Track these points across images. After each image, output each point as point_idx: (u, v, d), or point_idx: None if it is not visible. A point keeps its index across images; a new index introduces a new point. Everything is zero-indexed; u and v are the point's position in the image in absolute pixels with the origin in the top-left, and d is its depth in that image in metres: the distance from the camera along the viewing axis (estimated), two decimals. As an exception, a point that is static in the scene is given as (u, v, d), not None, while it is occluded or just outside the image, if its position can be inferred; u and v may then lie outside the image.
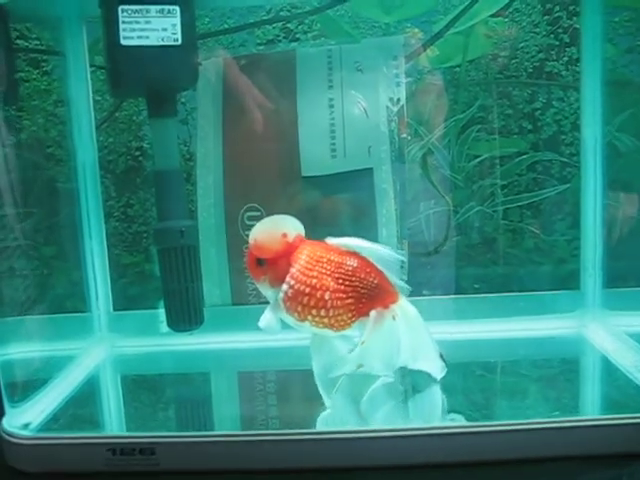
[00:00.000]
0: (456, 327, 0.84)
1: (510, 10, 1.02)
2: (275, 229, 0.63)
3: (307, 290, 0.62)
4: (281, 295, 0.63)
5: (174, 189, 0.78)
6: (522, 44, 1.03)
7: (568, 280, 0.92)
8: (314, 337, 0.66)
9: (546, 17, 1.02)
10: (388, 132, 0.84)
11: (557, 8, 1.01)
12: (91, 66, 0.88)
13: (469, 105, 0.99)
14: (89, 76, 0.87)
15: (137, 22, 0.73)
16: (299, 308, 0.63)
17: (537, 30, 1.03)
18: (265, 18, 1.00)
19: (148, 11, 0.73)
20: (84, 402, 0.75)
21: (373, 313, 0.63)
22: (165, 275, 0.78)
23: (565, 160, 1.01)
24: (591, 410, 0.70)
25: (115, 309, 0.90)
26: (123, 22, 0.73)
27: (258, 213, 0.84)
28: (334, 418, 0.67)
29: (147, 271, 1.00)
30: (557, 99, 1.03)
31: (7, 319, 0.72)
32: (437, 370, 0.67)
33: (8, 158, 0.76)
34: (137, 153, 1.03)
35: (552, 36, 1.02)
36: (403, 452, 0.61)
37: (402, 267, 0.75)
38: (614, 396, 0.71)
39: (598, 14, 0.82)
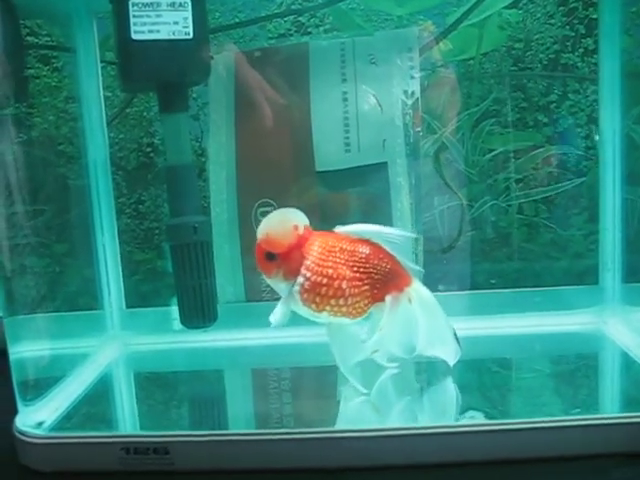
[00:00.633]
0: (472, 323, 0.83)
1: (524, 1, 1.01)
2: (285, 222, 0.63)
3: (324, 281, 0.62)
4: (297, 288, 0.63)
5: (186, 184, 0.77)
6: (537, 36, 1.02)
7: (585, 275, 0.91)
8: (330, 327, 0.66)
9: (561, 8, 1.01)
10: (403, 125, 0.83)
11: (572, -2, 1.00)
12: (102, 62, 0.88)
13: (483, 98, 0.98)
14: (100, 72, 0.86)
15: (148, 16, 0.73)
16: (317, 299, 0.63)
17: (552, 21, 1.01)
18: (276, 12, 1.00)
19: (159, 5, 0.73)
20: (97, 400, 0.74)
21: (389, 298, 0.64)
22: (178, 272, 0.77)
23: (581, 153, 0.99)
24: (611, 407, 0.69)
25: (128, 306, 0.90)
26: (134, 16, 0.72)
27: (271, 208, 0.83)
28: (351, 414, 0.67)
29: (159, 268, 0.99)
30: (573, 91, 1.01)
31: (19, 317, 0.71)
32: (452, 355, 0.68)
33: (20, 156, 0.75)
34: (148, 149, 1.03)
35: (568, 27, 1.01)
36: (419, 451, 0.61)
37: (417, 243, 0.74)
38: (635, 393, 0.70)
39: (617, 4, 0.81)
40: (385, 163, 0.83)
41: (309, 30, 1.02)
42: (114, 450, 0.62)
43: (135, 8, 0.72)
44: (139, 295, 0.96)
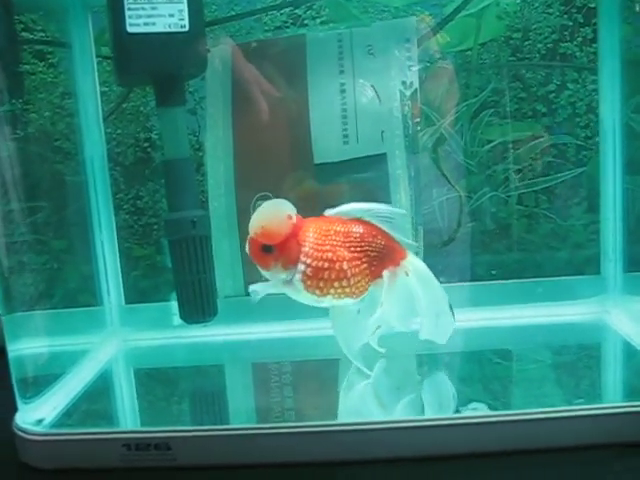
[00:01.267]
0: (473, 314, 0.83)
1: (522, -10, 1.00)
2: (278, 213, 0.63)
3: (325, 265, 0.63)
4: (298, 276, 0.63)
5: (184, 179, 0.77)
6: (535, 25, 1.01)
7: (586, 265, 0.91)
8: (334, 310, 0.66)
9: (559, -3, 1.00)
10: (401, 117, 0.82)
11: (570, -13, 0.99)
12: (97, 57, 0.87)
13: (481, 89, 0.97)
14: (96, 67, 0.86)
15: (143, 9, 0.72)
16: (321, 284, 0.63)
17: (550, 10, 1.01)
18: (272, 4, 0.99)
19: (154, -3, 0.72)
20: (97, 397, 0.74)
21: (386, 273, 0.65)
22: (177, 266, 0.77)
23: (581, 143, 0.99)
24: (614, 397, 0.69)
25: (127, 302, 0.89)
26: (129, 9, 0.72)
27: (270, 202, 0.82)
28: (352, 407, 0.67)
29: (158, 263, 0.99)
30: (571, 81, 1.01)
31: (18, 314, 0.71)
32: (446, 329, 0.68)
33: (16, 152, 0.75)
34: (145, 144, 1.02)
35: (566, 16, 1.00)
36: (420, 443, 0.60)
37: (416, 235, 0.74)
38: (638, 382, 0.70)
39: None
40: (384, 154, 0.83)
41: (305, 22, 1.01)
42: (115, 447, 0.61)
43: (130, 1, 0.72)
44: (138, 291, 0.95)
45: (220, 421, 0.71)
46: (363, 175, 0.82)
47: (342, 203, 0.81)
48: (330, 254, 0.63)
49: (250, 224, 0.63)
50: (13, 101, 0.83)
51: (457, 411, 0.64)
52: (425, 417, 0.63)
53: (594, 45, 0.92)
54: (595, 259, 0.87)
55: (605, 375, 0.74)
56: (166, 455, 0.61)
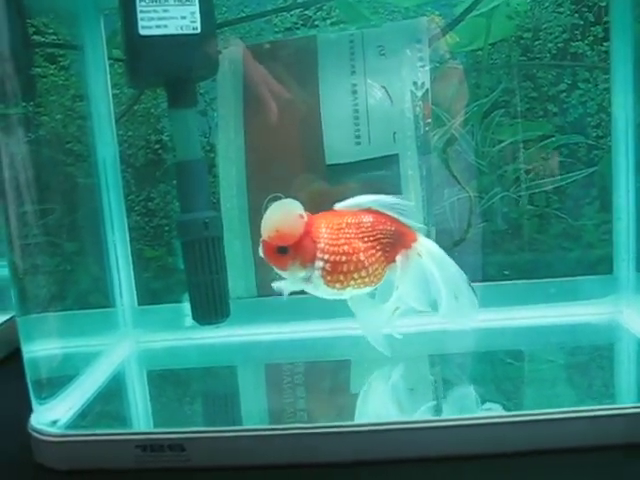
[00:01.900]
0: (486, 315, 0.82)
1: (533, -11, 1.00)
2: (290, 213, 0.63)
3: (343, 258, 0.63)
4: (317, 273, 0.64)
5: (197, 180, 0.77)
6: (545, 25, 1.01)
7: (599, 265, 0.91)
8: (353, 299, 0.67)
9: (570, -5, 1.00)
10: (413, 117, 0.82)
11: (581, -14, 0.99)
12: (109, 59, 0.87)
13: (492, 89, 0.97)
14: (107, 70, 0.86)
15: (155, 11, 0.72)
16: (341, 277, 0.64)
17: (561, 10, 1.00)
18: (283, 5, 0.99)
19: (166, 0, 0.72)
20: (111, 398, 0.75)
21: (399, 257, 0.65)
22: (189, 268, 0.77)
23: (592, 142, 0.98)
24: (628, 398, 0.69)
25: (139, 303, 0.89)
26: (141, 11, 0.72)
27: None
28: (367, 407, 0.67)
29: (170, 265, 0.99)
30: (583, 80, 1.00)
31: (32, 316, 0.71)
32: (469, 310, 0.67)
33: (28, 154, 0.75)
34: (157, 146, 1.02)
35: (576, 15, 1.00)
36: (434, 444, 0.60)
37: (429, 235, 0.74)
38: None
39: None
40: (396, 155, 0.83)
41: (316, 23, 1.01)
42: (129, 448, 0.61)
43: (142, 3, 0.72)
44: (150, 292, 0.95)
45: (233, 422, 0.72)
46: (375, 176, 0.82)
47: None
48: (346, 247, 0.63)
49: (262, 227, 0.63)
50: (24, 104, 0.84)
51: (470, 412, 0.64)
52: (438, 418, 0.63)
53: (605, 44, 0.91)
54: (607, 259, 0.86)
55: (618, 376, 0.74)
56: (180, 456, 0.61)
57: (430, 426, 0.61)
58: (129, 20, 0.72)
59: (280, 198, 0.82)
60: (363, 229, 0.64)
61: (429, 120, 0.83)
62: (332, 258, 0.63)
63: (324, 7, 1.00)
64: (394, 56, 0.83)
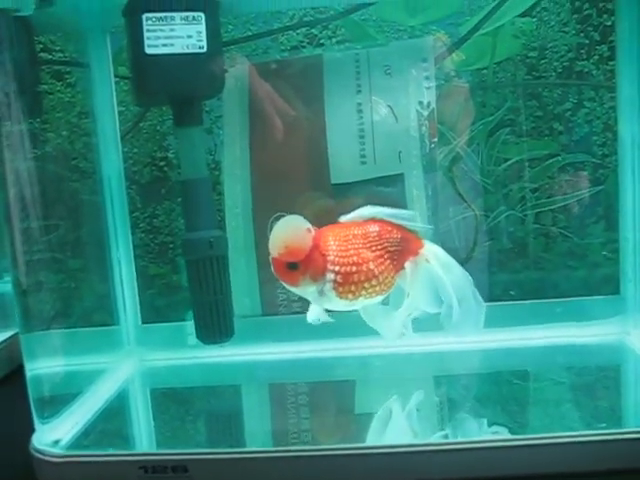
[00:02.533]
0: (491, 335, 0.82)
1: (538, 9, 1.00)
2: (298, 228, 0.63)
3: (354, 269, 0.63)
4: (329, 285, 0.63)
5: (202, 198, 0.77)
6: (551, 44, 1.01)
7: (605, 284, 0.90)
8: (364, 310, 0.67)
9: (575, 15, 1.00)
10: (419, 136, 0.82)
11: (586, 5, 0.99)
12: (115, 77, 0.88)
13: (498, 107, 0.97)
14: (113, 87, 0.86)
15: (162, 30, 0.73)
16: (352, 288, 0.64)
17: (566, 29, 1.01)
18: (289, 24, 0.99)
19: (173, 19, 0.72)
20: (114, 417, 0.74)
21: (408, 264, 0.65)
22: (194, 287, 0.77)
23: (598, 161, 0.98)
24: (635, 422, 0.68)
25: (144, 321, 0.89)
26: (147, 30, 0.72)
27: (287, 222, 0.82)
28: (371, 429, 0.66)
29: (174, 282, 0.99)
30: (588, 99, 1.00)
31: (36, 333, 0.71)
32: (476, 315, 0.66)
33: (33, 170, 0.75)
34: (162, 163, 1.03)
35: (582, 35, 1.00)
36: (443, 467, 0.60)
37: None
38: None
39: (634, 9, 0.80)
40: (401, 174, 0.82)
41: (322, 42, 1.01)
42: (132, 469, 0.61)
43: (149, 22, 0.72)
44: (154, 309, 0.95)
45: (237, 443, 0.71)
46: (380, 195, 0.82)
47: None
48: (355, 257, 0.63)
49: (271, 244, 0.63)
50: (31, 120, 0.84)
51: (477, 434, 0.63)
52: (443, 441, 0.62)
53: (611, 63, 0.91)
54: (614, 278, 0.86)
55: (625, 398, 0.73)
56: (183, 478, 0.60)
57: (435, 449, 0.60)
58: (136, 39, 0.73)
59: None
60: (370, 239, 0.64)
61: (435, 139, 0.83)
62: (343, 269, 0.63)
63: (330, 26, 1.00)
64: (400, 75, 0.83)
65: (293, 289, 0.65)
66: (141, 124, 1.02)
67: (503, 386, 0.77)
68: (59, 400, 0.71)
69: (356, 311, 0.79)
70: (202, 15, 0.73)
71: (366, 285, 0.64)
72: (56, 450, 0.64)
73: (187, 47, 0.73)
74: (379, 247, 0.64)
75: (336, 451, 0.61)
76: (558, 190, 0.98)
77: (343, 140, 0.83)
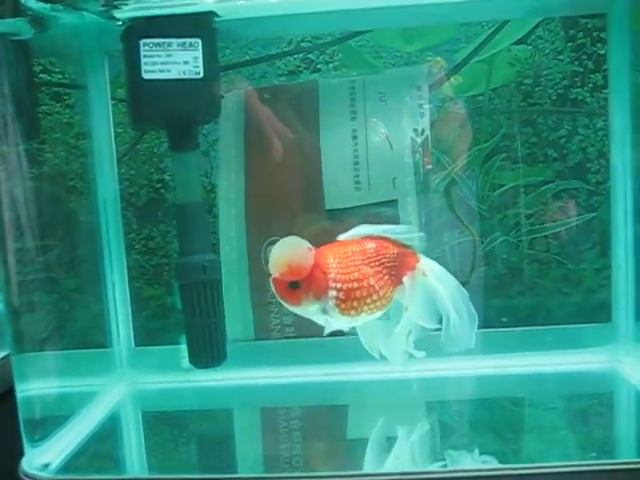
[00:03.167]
0: (483, 362, 0.82)
1: (533, 37, 1.01)
2: (300, 247, 0.63)
3: (355, 285, 0.64)
4: (331, 303, 0.64)
5: (196, 223, 0.77)
6: (546, 71, 1.02)
7: (598, 311, 0.90)
8: (362, 329, 0.67)
9: (570, 44, 1.01)
10: (413, 163, 0.83)
11: (580, 34, 1.00)
12: (113, 99, 0.88)
13: (493, 134, 0.97)
14: (110, 110, 0.86)
15: (159, 55, 0.73)
16: (355, 304, 0.64)
17: (561, 57, 1.02)
18: (286, 49, 1.00)
19: (170, 44, 0.73)
20: (105, 440, 0.74)
21: (406, 278, 0.66)
22: (187, 311, 0.77)
23: (592, 188, 0.99)
24: (628, 452, 0.68)
25: (137, 344, 0.89)
26: (145, 56, 0.73)
27: (281, 246, 0.82)
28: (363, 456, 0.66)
29: (168, 304, 0.99)
30: (582, 126, 1.01)
31: (27, 355, 0.71)
32: (471, 325, 0.67)
33: (29, 191, 0.75)
34: (158, 185, 1.03)
35: (576, 63, 1.01)
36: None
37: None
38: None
39: (625, 39, 0.81)
40: (395, 201, 0.83)
41: (319, 67, 1.02)
42: (122, 494, 0.61)
43: (146, 48, 0.73)
44: (148, 331, 0.95)
45: (229, 467, 0.71)
46: (374, 221, 0.82)
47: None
48: (356, 274, 0.64)
49: (272, 265, 0.63)
50: (29, 142, 0.84)
51: (466, 463, 0.63)
52: (434, 469, 0.62)
53: (604, 91, 0.92)
54: (607, 305, 0.86)
55: (617, 428, 0.73)
56: (173, 502, 0.60)
57: (427, 477, 0.60)
58: (133, 64, 0.73)
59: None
60: (368, 255, 0.65)
61: (429, 166, 0.84)
62: (344, 286, 0.63)
63: (327, 51, 1.01)
64: (394, 102, 0.84)
65: (295, 309, 0.65)
66: (138, 146, 1.02)
67: (494, 413, 0.77)
68: (50, 423, 0.71)
69: (350, 335, 0.81)
70: (199, 41, 0.74)
71: (368, 300, 0.64)
72: (45, 474, 0.64)
73: (184, 73, 0.73)
74: (377, 263, 0.65)
75: (328, 477, 0.60)
76: (552, 216, 0.98)
77: (338, 166, 0.83)
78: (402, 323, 0.65)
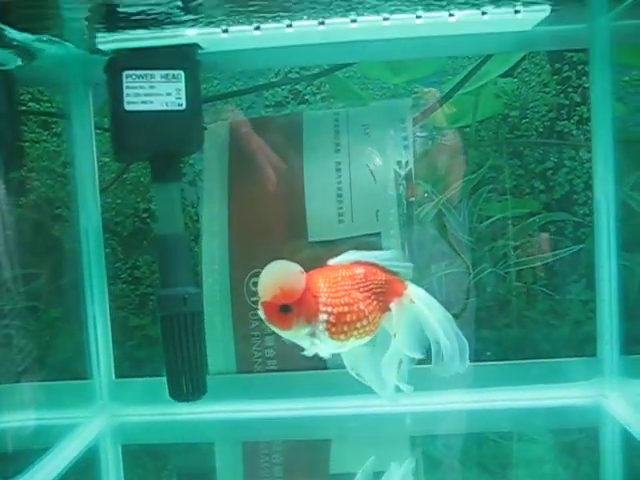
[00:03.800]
0: (467, 396, 0.81)
1: (519, 70, 1.02)
2: (292, 271, 0.62)
3: (346, 309, 0.63)
4: (321, 326, 0.63)
5: (178, 254, 0.76)
6: (532, 104, 1.02)
7: (584, 344, 0.90)
8: (348, 355, 0.66)
9: (555, 77, 1.02)
10: (396, 196, 0.83)
11: (566, 67, 1.01)
12: (98, 128, 0.88)
13: (480, 165, 0.98)
14: (94, 139, 0.86)
15: (141, 87, 0.73)
16: (345, 328, 0.63)
17: (547, 90, 1.02)
18: (274, 80, 1.01)
19: (152, 76, 0.73)
20: (82, 475, 0.73)
21: (393, 305, 0.66)
22: (167, 343, 0.76)
23: (579, 220, 0.99)
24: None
25: (119, 374, 0.88)
26: (127, 87, 0.73)
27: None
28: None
29: (154, 334, 0.98)
30: (569, 158, 1.02)
31: (3, 385, 0.70)
32: (463, 349, 0.66)
33: (15, 219, 0.75)
34: (145, 215, 1.03)
35: (562, 95, 1.02)
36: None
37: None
38: (636, 473, 0.68)
39: (607, 73, 0.81)
40: (378, 233, 0.83)
41: (306, 98, 1.03)
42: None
43: (129, 79, 0.73)
44: (133, 361, 0.94)
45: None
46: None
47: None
48: (346, 298, 0.63)
49: (263, 288, 0.62)
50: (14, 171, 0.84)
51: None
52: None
53: (590, 123, 0.93)
54: (594, 338, 0.86)
55: (602, 464, 0.72)
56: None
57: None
58: (115, 95, 0.73)
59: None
60: (357, 280, 0.64)
61: (413, 198, 0.83)
62: (335, 310, 0.63)
63: (314, 82, 1.02)
64: (378, 135, 0.84)
65: (284, 333, 0.64)
66: (125, 175, 1.02)
67: (479, 447, 0.76)
68: (25, 456, 0.70)
69: (332, 369, 0.80)
70: (182, 73, 0.74)
71: (357, 325, 0.64)
72: (17, 512, 0.63)
73: (166, 104, 0.74)
74: (366, 288, 0.64)
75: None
76: (539, 248, 0.98)
77: (321, 198, 0.83)
78: (390, 351, 0.65)
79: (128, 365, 0.93)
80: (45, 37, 0.73)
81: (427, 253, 0.90)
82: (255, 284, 0.82)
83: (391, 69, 0.98)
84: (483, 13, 0.73)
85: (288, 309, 0.62)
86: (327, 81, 1.02)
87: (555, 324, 0.97)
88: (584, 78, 0.98)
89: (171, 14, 0.67)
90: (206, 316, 0.81)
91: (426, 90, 0.96)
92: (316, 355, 0.78)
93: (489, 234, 0.97)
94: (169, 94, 0.73)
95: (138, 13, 0.66)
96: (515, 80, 1.02)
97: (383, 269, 0.66)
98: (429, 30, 0.77)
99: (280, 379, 0.83)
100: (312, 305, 0.62)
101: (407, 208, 0.83)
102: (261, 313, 0.62)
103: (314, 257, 0.82)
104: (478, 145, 1.02)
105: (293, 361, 0.82)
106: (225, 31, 0.73)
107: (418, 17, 0.73)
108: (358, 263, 0.65)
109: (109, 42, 0.74)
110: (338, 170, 0.84)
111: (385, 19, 0.73)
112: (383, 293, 0.65)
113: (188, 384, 0.76)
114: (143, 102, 0.73)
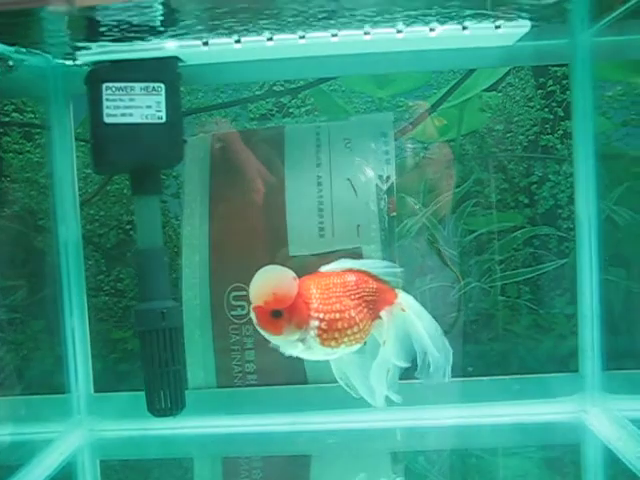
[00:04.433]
0: (448, 412, 0.81)
1: (504, 84, 1.02)
2: (284, 276, 0.62)
3: (337, 316, 0.63)
4: (312, 333, 0.63)
5: (156, 269, 0.76)
6: (516, 118, 1.03)
7: (568, 358, 0.90)
8: (337, 362, 0.66)
9: (540, 91, 1.02)
10: (377, 211, 0.82)
11: (550, 82, 1.01)
12: (81, 140, 0.88)
13: (464, 179, 0.98)
14: (74, 151, 0.86)
15: (121, 99, 0.73)
16: (336, 335, 0.63)
17: (531, 104, 1.03)
18: (258, 93, 1.01)
19: (132, 89, 0.73)
20: (57, 492, 0.72)
21: (384, 313, 0.66)
22: (145, 358, 0.75)
23: (563, 234, 0.99)
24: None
25: (99, 387, 0.87)
26: (107, 99, 0.73)
27: (244, 293, 0.81)
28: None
29: (135, 348, 0.97)
30: (553, 172, 1.02)
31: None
32: (446, 360, 0.66)
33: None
34: (128, 227, 1.02)
35: (546, 110, 1.02)
36: None
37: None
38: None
39: (589, 88, 0.81)
40: (359, 248, 0.82)
41: (290, 111, 1.03)
42: None
43: (108, 92, 0.73)
44: (115, 373, 0.94)
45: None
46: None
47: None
48: (338, 305, 0.63)
49: (255, 293, 0.61)
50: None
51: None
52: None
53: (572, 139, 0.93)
54: (576, 353, 0.85)
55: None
56: None
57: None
58: (95, 107, 0.73)
59: (243, 288, 0.81)
60: (349, 287, 0.64)
61: (394, 213, 0.83)
62: (327, 316, 0.63)
63: (299, 95, 1.02)
64: (360, 149, 0.84)
65: (274, 339, 0.63)
66: (108, 187, 1.02)
67: (459, 463, 0.76)
68: None
69: (312, 384, 0.79)
70: (162, 86, 0.74)
71: (348, 332, 0.64)
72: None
73: (146, 117, 0.73)
74: (357, 296, 0.64)
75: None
76: (523, 262, 0.98)
77: (302, 213, 0.83)
78: (379, 359, 0.65)
79: (109, 379, 0.92)
80: (24, 48, 0.73)
81: (409, 268, 0.89)
82: (236, 298, 0.82)
83: (376, 82, 0.99)
84: (464, 28, 0.73)
85: (279, 314, 0.62)
86: (311, 94, 1.02)
87: (539, 338, 0.97)
88: (568, 92, 0.98)
89: (152, 27, 0.67)
90: (186, 330, 0.80)
91: (412, 104, 0.97)
92: (296, 370, 0.78)
93: (473, 248, 0.97)
94: (149, 107, 0.73)
95: (117, 25, 0.65)
96: (499, 94, 1.03)
97: (375, 277, 0.66)
98: (411, 45, 0.77)
99: (260, 394, 0.82)
100: (303, 311, 0.62)
101: (388, 223, 0.83)
102: (252, 317, 0.62)
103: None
104: (462, 159, 1.02)
105: (273, 376, 0.82)
106: (205, 44, 0.73)
107: (399, 31, 0.73)
108: (350, 271, 0.65)
109: (89, 54, 0.74)
110: (319, 184, 0.83)
111: (366, 33, 0.73)
112: (374, 301, 0.65)
113: (167, 399, 0.75)
114: (123, 114, 0.73)
